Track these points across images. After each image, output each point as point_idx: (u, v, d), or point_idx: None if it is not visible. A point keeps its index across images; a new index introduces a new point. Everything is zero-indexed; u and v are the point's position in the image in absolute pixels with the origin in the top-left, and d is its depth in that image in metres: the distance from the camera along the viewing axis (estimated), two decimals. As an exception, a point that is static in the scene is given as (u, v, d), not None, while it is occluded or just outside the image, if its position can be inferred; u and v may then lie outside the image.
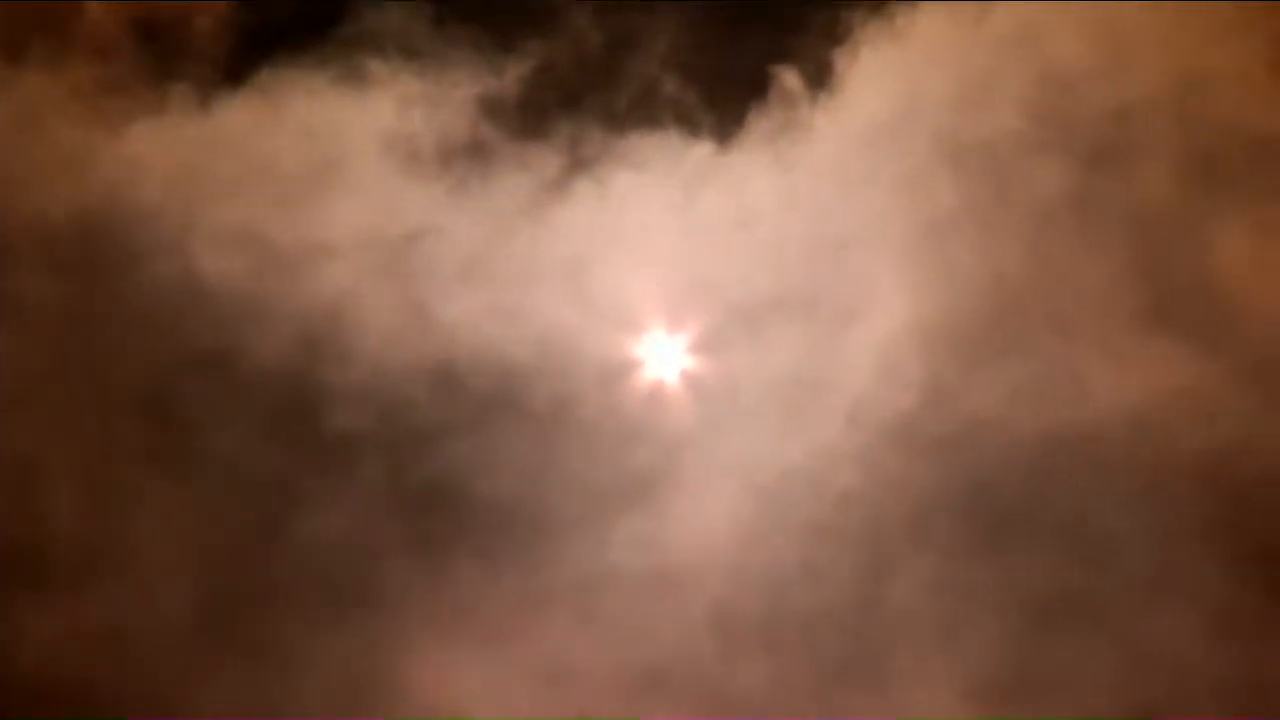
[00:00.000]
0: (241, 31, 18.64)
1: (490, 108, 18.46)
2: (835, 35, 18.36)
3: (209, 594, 17.54)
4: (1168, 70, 18.23)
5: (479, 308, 17.89)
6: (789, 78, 18.38)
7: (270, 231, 18.06)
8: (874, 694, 17.46)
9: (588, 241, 18.09)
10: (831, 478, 17.79)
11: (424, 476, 17.78)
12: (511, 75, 18.55)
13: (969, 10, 18.33)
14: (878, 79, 18.29)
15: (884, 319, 17.91)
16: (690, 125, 18.38)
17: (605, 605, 17.59)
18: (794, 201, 18.15)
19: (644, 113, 18.40)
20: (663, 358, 17.99)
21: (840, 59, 18.38)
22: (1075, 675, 17.42)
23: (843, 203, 18.15)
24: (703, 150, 18.34)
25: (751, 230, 18.14)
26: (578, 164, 18.26)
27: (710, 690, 17.46)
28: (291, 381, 17.82)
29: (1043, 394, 17.76)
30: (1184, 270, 17.97)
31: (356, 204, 18.18)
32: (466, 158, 18.32)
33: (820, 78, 18.31)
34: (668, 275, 18.04)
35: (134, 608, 17.43)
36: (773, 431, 17.97)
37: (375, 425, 17.79)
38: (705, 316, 18.02)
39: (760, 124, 18.38)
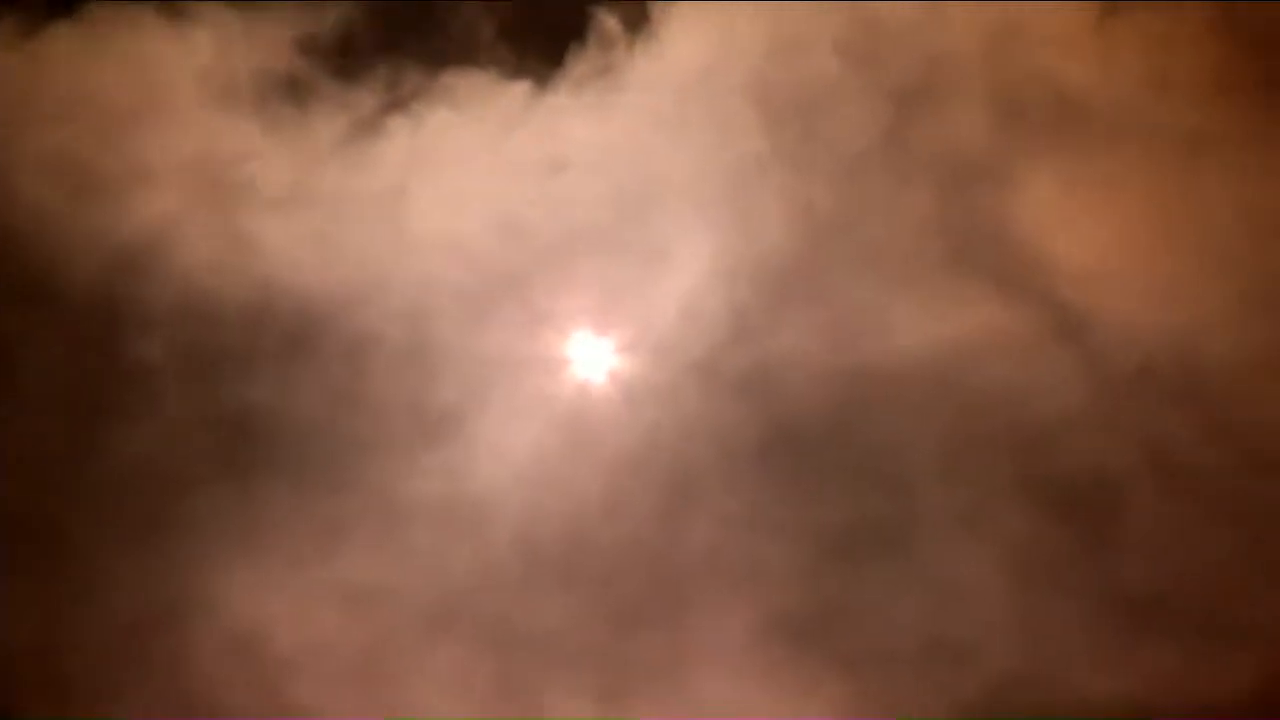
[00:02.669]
0: (68, -36, 18.88)
1: (309, 47, 18.66)
2: (654, -22, 18.67)
3: (15, 513, 17.60)
4: (982, 19, 18.49)
5: (291, 237, 18.05)
6: (608, 21, 18.61)
7: (88, 159, 18.22)
8: (674, 627, 17.58)
9: (400, 176, 18.28)
10: (636, 413, 17.94)
11: (234, 401, 17.91)
12: (331, 15, 18.75)
13: (786, -44, 18.65)
14: (695, 23, 18.53)
15: (692, 259, 18.10)
16: (507, 66, 18.58)
17: (408, 533, 17.72)
18: (607, 143, 18.35)
19: (462, 53, 18.60)
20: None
21: (658, 3, 18.62)
22: (877, 611, 17.54)
23: (655, 145, 18.37)
24: (519, 91, 18.54)
25: (563, 170, 18.35)
26: (394, 102, 18.45)
27: (508, 620, 17.56)
28: (104, 306, 17.95)
29: (848, 333, 17.95)
30: (991, 216, 18.19)
31: (174, 135, 18.35)
32: (284, 94, 18.52)
33: (638, 21, 18.53)
34: (479, 212, 18.21)
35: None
36: (578, 367, 18.15)
37: (188, 350, 17.92)
38: (514, 253, 18.18)
39: (577, 67, 18.59)
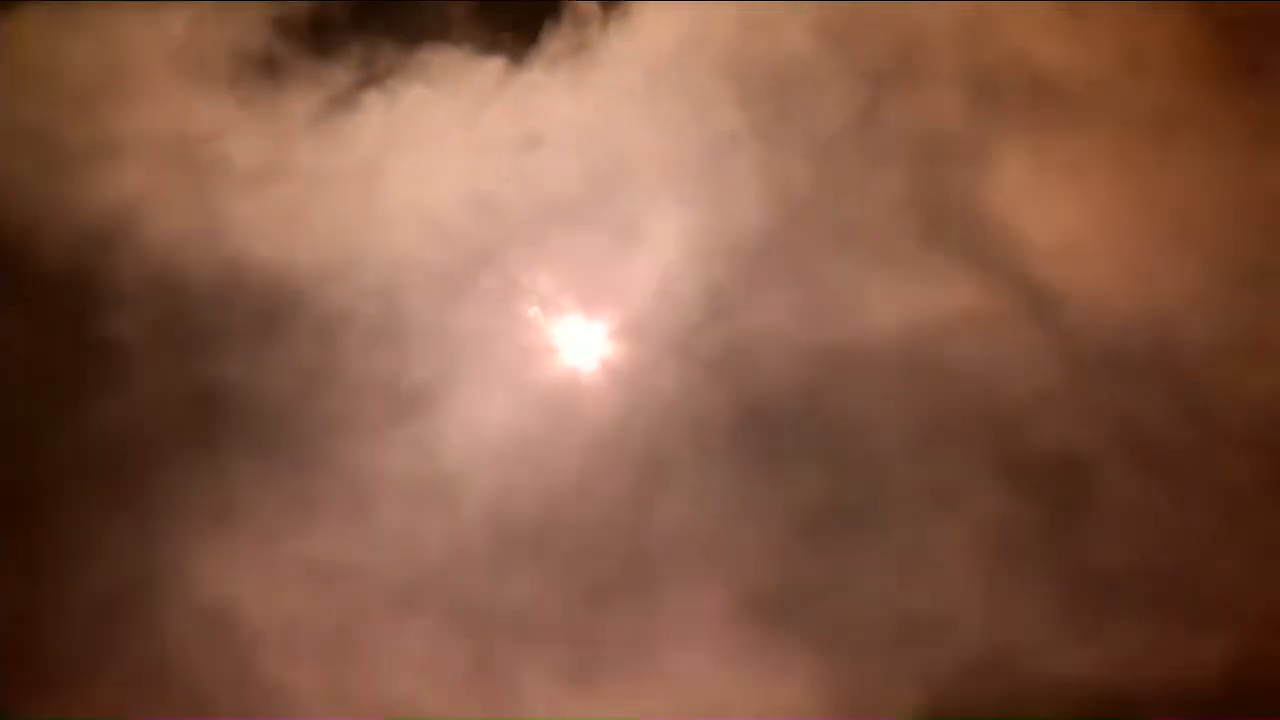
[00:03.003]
0: (39, -58, 18.81)
1: (283, 22, 18.60)
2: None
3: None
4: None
5: (264, 213, 18.01)
6: (583, -1, 18.65)
7: (59, 133, 18.16)
8: (647, 606, 17.56)
9: (374, 152, 18.24)
10: (611, 391, 17.93)
11: (205, 377, 17.86)
12: (305, -8, 18.76)
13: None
14: (670, 1, 18.51)
15: (666, 236, 18.08)
16: (482, 43, 18.55)
17: (379, 510, 17.68)
18: (581, 120, 18.33)
19: (437, 30, 18.57)
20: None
21: (635, -20, 18.65)
22: (849, 590, 17.54)
23: (630, 122, 18.35)
24: (493, 67, 18.51)
25: (538, 146, 18.33)
26: (369, 78, 18.42)
27: (481, 598, 17.52)
28: (76, 280, 17.89)
29: (823, 312, 17.93)
30: (966, 196, 18.19)
31: (147, 110, 18.30)
32: (258, 70, 18.47)
33: (614, -1, 18.57)
34: (453, 188, 18.17)
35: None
36: (552, 345, 18.13)
37: (158, 325, 17.87)
38: (488, 229, 18.15)
39: (552, 44, 18.57)
